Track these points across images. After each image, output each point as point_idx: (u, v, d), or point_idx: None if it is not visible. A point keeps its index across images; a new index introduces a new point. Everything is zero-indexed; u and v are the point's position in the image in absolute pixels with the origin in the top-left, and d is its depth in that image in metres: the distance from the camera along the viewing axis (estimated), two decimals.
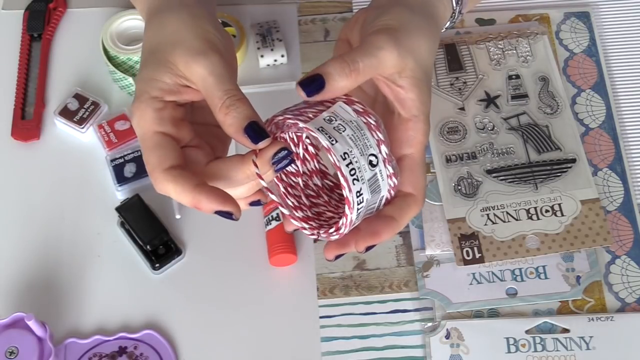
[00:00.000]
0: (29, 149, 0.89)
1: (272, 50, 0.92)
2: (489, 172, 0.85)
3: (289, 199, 0.68)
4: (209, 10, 0.69)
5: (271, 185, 0.66)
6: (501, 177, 0.84)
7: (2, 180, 0.87)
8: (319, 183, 0.70)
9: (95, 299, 0.81)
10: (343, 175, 0.61)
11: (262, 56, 0.92)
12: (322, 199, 0.70)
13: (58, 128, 0.89)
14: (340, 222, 0.64)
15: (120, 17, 0.91)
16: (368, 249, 0.68)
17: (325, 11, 0.96)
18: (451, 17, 0.76)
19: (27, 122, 0.90)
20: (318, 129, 0.62)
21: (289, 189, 0.69)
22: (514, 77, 0.90)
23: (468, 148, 0.86)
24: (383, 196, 0.65)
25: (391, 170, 0.64)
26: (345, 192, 0.62)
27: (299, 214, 0.68)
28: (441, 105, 0.88)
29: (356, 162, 0.62)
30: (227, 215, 0.64)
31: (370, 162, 0.63)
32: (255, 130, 0.62)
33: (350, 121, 0.63)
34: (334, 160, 0.61)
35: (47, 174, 0.88)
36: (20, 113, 0.90)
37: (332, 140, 0.62)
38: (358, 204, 0.63)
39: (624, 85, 0.90)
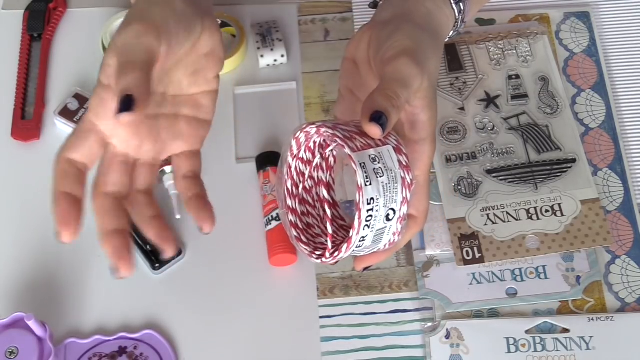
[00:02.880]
0: (29, 149, 0.89)
1: (272, 50, 0.92)
2: (489, 172, 0.85)
3: (290, 198, 0.68)
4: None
5: (278, 179, 0.66)
6: (501, 177, 0.84)
7: (2, 180, 0.87)
8: (324, 195, 0.69)
9: (95, 299, 0.81)
10: (359, 218, 0.61)
11: (262, 56, 0.92)
12: (316, 212, 0.69)
13: (58, 128, 0.89)
14: (329, 253, 0.64)
15: (120, 17, 0.91)
16: (366, 269, 0.69)
17: (325, 11, 0.96)
18: (454, 26, 0.76)
19: (27, 122, 0.90)
20: (360, 164, 0.61)
21: (294, 188, 0.68)
22: (514, 77, 0.90)
23: (468, 148, 0.86)
24: (378, 248, 0.65)
25: (399, 229, 0.64)
26: (352, 233, 0.61)
27: (292, 217, 0.67)
28: (441, 105, 0.87)
29: (377, 211, 0.61)
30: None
31: (387, 216, 0.62)
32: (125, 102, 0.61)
33: (391, 170, 0.62)
34: (360, 201, 0.60)
35: (47, 174, 0.87)
36: (20, 113, 0.90)
37: (367, 181, 0.60)
38: (356, 247, 0.63)
39: (624, 85, 0.90)
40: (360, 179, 0.60)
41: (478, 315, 0.79)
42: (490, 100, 0.89)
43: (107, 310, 0.81)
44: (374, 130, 0.62)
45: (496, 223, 0.82)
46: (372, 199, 0.61)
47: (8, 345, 0.74)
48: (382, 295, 0.81)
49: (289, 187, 0.68)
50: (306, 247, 0.66)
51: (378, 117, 0.62)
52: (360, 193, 0.60)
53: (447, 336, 0.78)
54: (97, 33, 0.92)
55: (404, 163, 0.63)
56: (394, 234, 0.64)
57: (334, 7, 0.96)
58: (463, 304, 0.79)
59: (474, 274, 0.81)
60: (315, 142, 0.67)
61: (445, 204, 0.83)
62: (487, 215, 0.82)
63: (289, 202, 0.68)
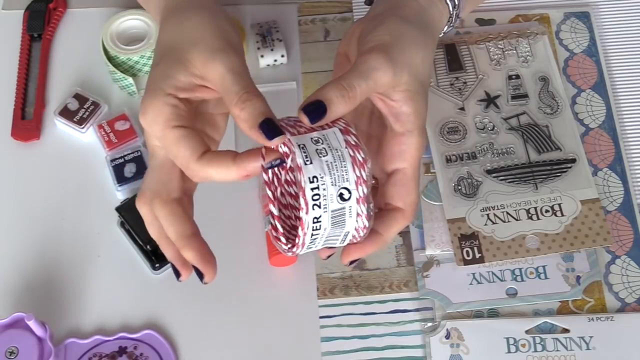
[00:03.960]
0: (29, 149, 0.89)
1: (272, 50, 0.92)
2: (489, 172, 0.85)
3: (273, 191, 0.67)
4: (224, 10, 0.69)
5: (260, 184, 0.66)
6: (501, 177, 0.84)
7: (2, 180, 0.87)
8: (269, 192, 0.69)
9: (95, 299, 0.81)
10: (304, 197, 0.61)
11: (262, 56, 0.92)
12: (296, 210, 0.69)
13: (58, 128, 0.89)
14: (295, 240, 0.63)
15: (120, 17, 0.91)
16: (352, 262, 0.69)
17: (325, 11, 0.96)
18: (449, 21, 0.76)
19: (27, 122, 0.90)
20: (299, 145, 0.61)
21: (282, 184, 0.68)
22: (514, 77, 0.90)
23: (468, 148, 0.86)
24: (348, 232, 0.64)
25: (364, 212, 0.63)
26: (302, 214, 0.61)
27: (275, 210, 0.67)
28: (441, 105, 0.88)
29: (324, 189, 0.61)
30: (200, 275, 0.67)
31: (341, 195, 0.62)
32: (270, 127, 0.62)
33: (336, 149, 0.62)
34: (301, 180, 0.61)
35: (47, 174, 0.88)
36: (20, 113, 0.90)
37: (308, 161, 0.61)
38: (314, 230, 0.62)
39: (624, 85, 0.90)
40: (299, 159, 0.61)
41: (478, 315, 0.79)
42: (490, 100, 0.89)
43: (107, 310, 0.81)
44: (303, 119, 0.63)
45: (496, 223, 0.82)
46: (314, 177, 0.61)
47: (8, 345, 0.74)
48: (382, 295, 0.81)
49: (269, 192, 0.67)
50: (284, 245, 0.66)
51: (312, 106, 0.63)
52: (301, 173, 0.61)
53: (447, 336, 0.78)
54: (97, 33, 0.91)
55: (352, 142, 0.63)
56: (358, 215, 0.63)
57: (334, 7, 0.96)
58: (463, 304, 0.79)
59: (474, 274, 0.81)
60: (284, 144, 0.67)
61: (445, 204, 0.83)
62: (487, 215, 0.82)
63: (270, 207, 0.67)
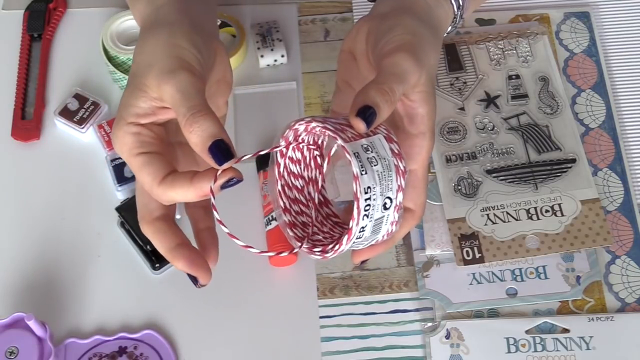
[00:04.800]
0: (29, 149, 0.89)
1: (272, 50, 0.92)
2: (489, 172, 0.85)
3: (282, 199, 0.68)
4: (194, 23, 0.67)
5: (270, 180, 0.66)
6: (501, 177, 0.84)
7: (2, 180, 0.87)
8: (312, 193, 0.69)
9: (95, 299, 0.81)
10: (358, 208, 0.60)
11: (262, 56, 0.92)
12: (309, 210, 0.69)
13: (58, 128, 0.89)
14: (330, 246, 0.63)
15: (120, 17, 0.91)
16: (363, 262, 0.69)
17: (325, 11, 0.96)
18: (452, 21, 0.76)
19: (27, 122, 0.90)
20: (354, 153, 0.60)
21: (285, 188, 0.68)
22: (514, 77, 0.90)
23: (468, 148, 0.86)
24: (377, 239, 0.65)
25: (396, 218, 0.63)
26: (352, 224, 0.61)
27: (287, 217, 0.67)
28: (441, 105, 0.88)
29: (374, 199, 0.61)
30: (193, 280, 0.66)
31: (384, 205, 0.62)
32: (221, 149, 0.61)
33: (384, 158, 0.62)
34: (357, 190, 0.60)
35: (47, 174, 0.88)
36: (20, 113, 0.90)
37: (363, 170, 0.60)
38: (356, 238, 0.62)
39: (624, 85, 0.90)
40: (355, 168, 0.60)
41: (478, 315, 0.79)
42: (490, 100, 0.89)
43: (107, 310, 0.81)
44: (358, 125, 0.62)
45: (496, 223, 0.82)
46: (368, 187, 0.60)
47: (8, 345, 0.74)
48: (382, 295, 0.81)
49: (280, 187, 0.68)
50: (305, 246, 0.66)
51: (365, 112, 0.62)
52: (357, 182, 0.60)
53: (447, 336, 0.78)
54: (97, 33, 0.92)
55: (396, 151, 0.63)
56: (392, 223, 0.64)
57: (334, 7, 0.96)
58: (463, 304, 0.79)
59: (474, 274, 0.81)
60: (303, 140, 0.66)
61: (445, 204, 0.83)
62: (487, 215, 0.82)
63: (281, 202, 0.68)
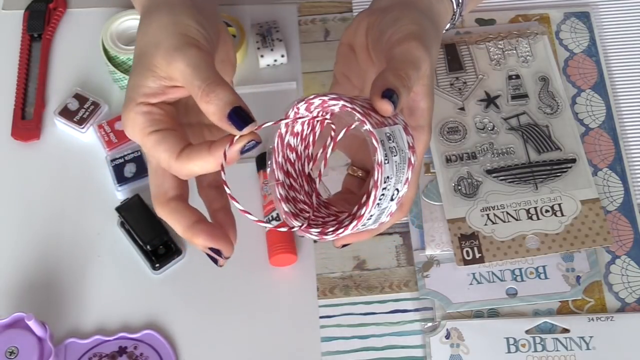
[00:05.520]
0: (29, 149, 0.89)
1: (272, 50, 0.92)
2: (489, 172, 0.85)
3: (279, 172, 0.66)
4: (196, 3, 0.68)
5: (268, 152, 0.65)
6: (501, 177, 0.84)
7: (2, 180, 0.87)
8: (306, 170, 0.67)
9: (95, 299, 0.81)
10: (374, 196, 0.59)
11: (262, 56, 0.92)
12: (304, 189, 0.67)
13: (58, 128, 0.89)
14: (331, 229, 0.62)
15: (120, 17, 0.91)
16: (344, 245, 0.69)
17: (325, 11, 0.96)
18: (451, 19, 0.76)
19: (27, 122, 0.90)
20: (381, 141, 0.59)
21: (284, 162, 0.66)
22: (514, 77, 0.90)
23: (468, 148, 0.86)
24: (371, 227, 0.64)
25: (393, 210, 0.63)
26: (364, 211, 0.60)
27: (282, 190, 0.65)
28: (441, 105, 0.88)
29: (388, 190, 0.60)
30: (214, 260, 0.66)
31: (392, 196, 0.61)
32: (240, 115, 0.61)
33: (402, 150, 0.61)
34: (378, 179, 0.59)
35: (47, 174, 0.88)
36: (20, 113, 0.90)
37: (386, 160, 0.59)
38: (362, 225, 0.61)
39: (624, 85, 0.90)
40: (380, 156, 0.59)
41: (478, 315, 0.79)
42: (490, 100, 0.89)
43: (107, 310, 0.81)
44: (386, 107, 0.61)
45: (496, 223, 0.82)
46: (388, 177, 0.60)
47: (8, 345, 0.74)
48: (382, 295, 0.81)
49: (279, 160, 0.66)
50: (298, 223, 0.64)
51: (390, 95, 0.61)
52: (380, 170, 0.59)
53: (447, 336, 0.78)
54: (97, 33, 0.92)
55: (411, 144, 0.62)
56: (389, 214, 0.63)
57: (334, 7, 0.96)
58: (463, 304, 0.79)
59: (474, 274, 0.81)
60: (320, 114, 0.64)
61: (445, 204, 0.83)
62: (487, 215, 0.82)
63: (278, 175, 0.66)
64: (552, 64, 0.90)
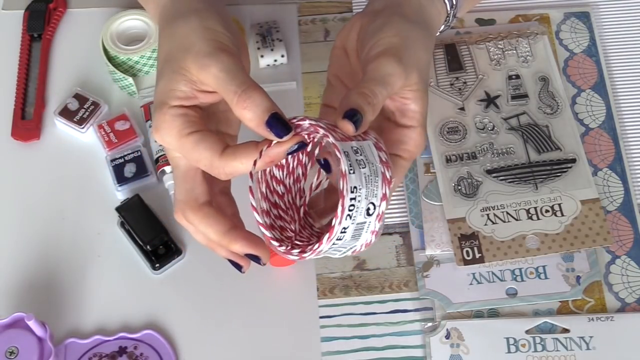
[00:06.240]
0: (29, 149, 0.89)
1: (272, 50, 0.92)
2: (489, 172, 0.85)
3: (263, 202, 0.68)
4: (218, 10, 0.68)
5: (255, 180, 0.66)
6: (501, 177, 0.84)
7: (2, 180, 0.87)
8: (291, 201, 0.70)
9: (95, 299, 0.81)
10: (342, 206, 0.60)
11: (262, 56, 0.92)
12: (289, 216, 0.69)
13: (58, 128, 0.89)
14: (310, 247, 0.63)
15: (120, 17, 0.91)
16: None
17: (325, 11, 0.96)
18: (445, 20, 0.76)
19: (27, 122, 0.90)
20: (344, 152, 0.61)
21: (267, 191, 0.68)
22: (514, 77, 0.90)
23: (468, 148, 0.86)
24: (356, 246, 0.65)
25: (377, 228, 0.63)
26: (334, 222, 0.61)
27: (265, 219, 0.67)
28: (441, 105, 0.88)
29: (359, 201, 0.61)
30: (237, 266, 0.67)
31: (368, 210, 0.62)
32: (280, 122, 0.62)
33: (372, 163, 0.62)
34: (343, 188, 0.60)
35: (47, 174, 0.88)
36: (20, 113, 0.90)
37: (351, 170, 0.60)
38: (336, 239, 0.62)
39: (624, 85, 0.90)
40: (344, 165, 0.60)
41: (478, 315, 0.79)
42: (490, 100, 0.89)
43: (107, 310, 0.81)
44: (347, 127, 0.62)
45: (496, 223, 0.82)
46: (355, 187, 0.60)
47: (8, 345, 0.74)
48: (382, 295, 0.81)
49: (264, 190, 0.68)
50: (281, 247, 0.66)
51: (351, 115, 0.62)
52: (344, 180, 0.60)
53: (447, 336, 0.78)
54: (97, 33, 0.91)
55: (384, 159, 0.63)
56: (372, 232, 0.64)
57: (334, 7, 0.96)
58: (463, 304, 0.79)
59: (474, 274, 0.81)
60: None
61: (445, 204, 0.83)
62: (487, 215, 0.82)
63: (263, 204, 0.68)
64: (552, 64, 0.90)
